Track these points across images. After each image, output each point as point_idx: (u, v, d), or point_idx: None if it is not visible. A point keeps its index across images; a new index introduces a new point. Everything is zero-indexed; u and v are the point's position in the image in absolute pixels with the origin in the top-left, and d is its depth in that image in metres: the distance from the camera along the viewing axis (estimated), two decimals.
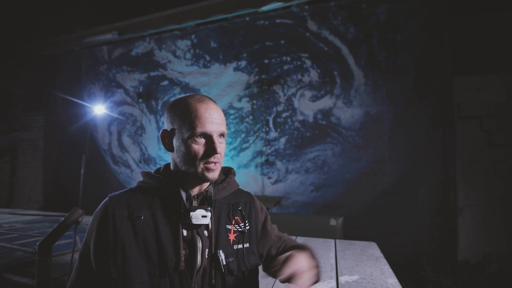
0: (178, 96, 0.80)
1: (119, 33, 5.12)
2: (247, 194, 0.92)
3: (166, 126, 0.79)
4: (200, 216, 0.73)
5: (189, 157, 0.73)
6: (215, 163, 0.74)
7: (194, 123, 0.72)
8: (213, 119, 0.74)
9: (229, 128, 4.40)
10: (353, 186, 3.71)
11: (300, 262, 0.73)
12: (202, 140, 0.74)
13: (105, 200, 0.76)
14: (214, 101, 0.79)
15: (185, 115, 0.74)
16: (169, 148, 0.78)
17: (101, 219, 0.74)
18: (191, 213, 0.73)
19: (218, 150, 0.74)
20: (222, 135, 0.77)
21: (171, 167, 0.81)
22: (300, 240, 2.12)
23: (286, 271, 0.70)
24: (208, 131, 0.73)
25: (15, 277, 1.43)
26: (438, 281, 2.98)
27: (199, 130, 0.72)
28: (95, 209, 0.78)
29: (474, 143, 3.29)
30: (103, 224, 0.73)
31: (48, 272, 1.24)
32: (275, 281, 1.54)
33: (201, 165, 0.73)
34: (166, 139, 0.78)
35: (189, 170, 0.74)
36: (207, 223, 0.75)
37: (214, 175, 0.75)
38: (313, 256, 0.81)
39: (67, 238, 1.93)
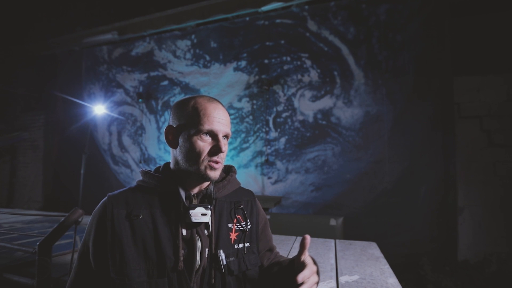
0: (186, 96, 0.81)
1: (119, 33, 5.12)
2: (249, 192, 0.91)
3: (172, 122, 0.79)
4: (200, 214, 0.73)
5: (193, 154, 0.74)
6: (218, 162, 0.75)
7: (202, 120, 0.74)
8: (220, 119, 0.76)
9: None
10: (353, 186, 3.70)
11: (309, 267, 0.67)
12: (208, 138, 0.75)
13: (104, 199, 0.76)
14: (222, 104, 0.81)
15: (194, 112, 0.75)
16: (173, 144, 0.78)
17: (100, 219, 0.73)
18: (191, 211, 0.72)
19: (223, 149, 0.75)
20: (226, 136, 0.78)
21: (172, 165, 0.81)
22: (299, 240, 2.12)
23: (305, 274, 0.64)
24: (215, 129, 0.74)
25: (15, 277, 1.42)
26: (438, 281, 2.98)
27: (206, 127, 0.74)
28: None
29: (474, 143, 3.29)
30: (102, 224, 0.72)
31: (48, 272, 1.24)
32: None
33: (205, 163, 0.74)
34: (171, 135, 0.79)
35: (191, 167, 0.75)
36: (207, 221, 0.74)
37: (215, 174, 0.76)
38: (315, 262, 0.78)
39: (67, 238, 1.93)
